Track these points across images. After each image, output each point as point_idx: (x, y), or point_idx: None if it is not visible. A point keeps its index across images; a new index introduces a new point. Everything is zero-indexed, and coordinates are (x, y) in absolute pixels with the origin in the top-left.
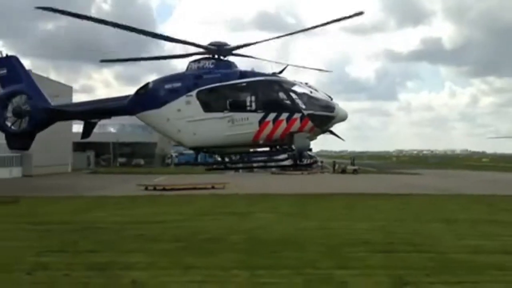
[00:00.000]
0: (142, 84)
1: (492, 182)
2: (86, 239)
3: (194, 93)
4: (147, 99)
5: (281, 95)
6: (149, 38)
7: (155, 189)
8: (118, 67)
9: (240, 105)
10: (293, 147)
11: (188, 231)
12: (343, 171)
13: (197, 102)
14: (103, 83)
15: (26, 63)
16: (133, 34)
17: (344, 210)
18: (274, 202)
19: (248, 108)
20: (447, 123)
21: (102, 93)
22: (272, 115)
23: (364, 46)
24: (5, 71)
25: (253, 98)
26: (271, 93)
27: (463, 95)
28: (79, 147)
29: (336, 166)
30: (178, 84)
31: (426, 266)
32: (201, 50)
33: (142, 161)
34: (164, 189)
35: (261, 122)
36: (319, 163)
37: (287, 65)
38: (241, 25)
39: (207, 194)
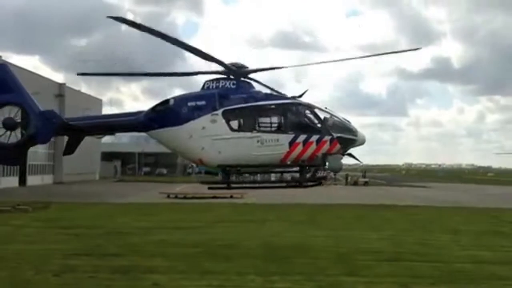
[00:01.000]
0: (162, 100)
1: (497, 195)
2: (111, 243)
3: (220, 112)
4: (168, 115)
5: (312, 118)
6: (175, 54)
7: (176, 197)
8: (145, 82)
9: (270, 126)
10: (326, 167)
11: (206, 237)
12: (355, 183)
13: (223, 121)
14: (131, 97)
15: (59, 76)
16: (160, 49)
17: (354, 220)
18: (289, 211)
19: (278, 129)
20: (455, 138)
21: (130, 106)
22: (302, 137)
23: (376, 64)
24: None
25: (283, 120)
26: (301, 116)
27: (470, 112)
28: (106, 156)
29: (349, 178)
30: (202, 102)
31: (431, 275)
32: (217, 69)
33: (165, 171)
34: (185, 197)
35: (292, 143)
36: (333, 175)
37: (306, 90)
38: (260, 43)
39: (226, 203)
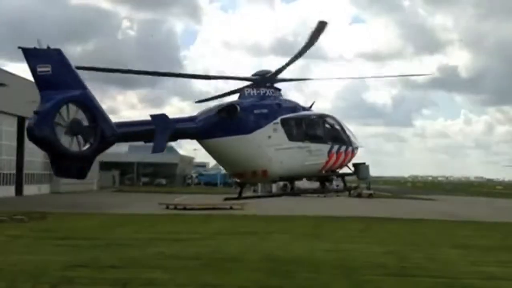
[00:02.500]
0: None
1: (505, 209)
2: (109, 255)
3: (279, 120)
4: (236, 123)
5: (340, 129)
6: (169, 64)
7: (175, 208)
8: (142, 90)
9: (315, 136)
10: (358, 177)
11: (206, 249)
12: (359, 195)
13: (282, 130)
14: (127, 105)
15: None
16: (157, 58)
17: (358, 233)
18: (291, 223)
19: (320, 139)
20: (462, 150)
21: (126, 114)
22: (335, 147)
23: (380, 73)
24: (48, 69)
25: (322, 130)
26: (334, 127)
27: (478, 123)
28: (105, 166)
29: (352, 190)
30: (265, 110)
31: None
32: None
33: (164, 181)
34: (184, 208)
35: (329, 153)
36: (335, 187)
37: (314, 102)
38: (260, 51)
39: (226, 214)
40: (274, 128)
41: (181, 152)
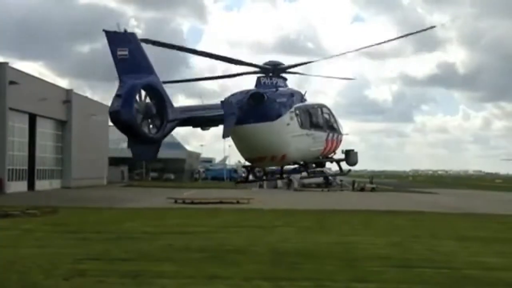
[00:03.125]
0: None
1: (505, 202)
2: (119, 248)
3: (293, 109)
4: (263, 110)
5: (333, 118)
6: (180, 61)
7: (184, 202)
8: None
9: (317, 125)
10: (348, 162)
11: (213, 242)
12: (362, 189)
13: (296, 118)
14: None
15: (64, 82)
16: (163, 56)
17: (362, 225)
18: (296, 217)
19: (321, 128)
20: (461, 145)
21: None
22: (330, 135)
23: (381, 70)
24: (126, 52)
25: (322, 119)
26: (329, 116)
27: (477, 118)
28: (114, 161)
29: (356, 184)
30: (284, 99)
31: (439, 281)
32: (256, 69)
33: (172, 176)
34: (192, 203)
35: (326, 140)
36: (339, 181)
37: (306, 91)
38: (264, 49)
39: (233, 208)
40: (291, 116)
41: (188, 148)
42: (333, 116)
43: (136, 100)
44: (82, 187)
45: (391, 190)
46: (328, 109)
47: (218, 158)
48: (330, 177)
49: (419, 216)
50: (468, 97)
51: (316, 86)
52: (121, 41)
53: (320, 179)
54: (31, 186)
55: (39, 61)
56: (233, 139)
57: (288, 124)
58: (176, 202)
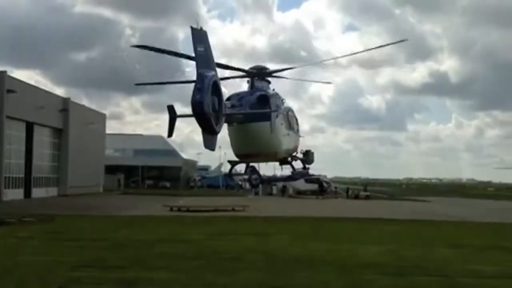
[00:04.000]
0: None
1: (497, 210)
2: (115, 255)
3: (285, 111)
4: (266, 111)
5: (297, 121)
6: (171, 71)
7: (179, 210)
8: (145, 96)
9: (292, 126)
10: (307, 161)
11: (209, 250)
12: (356, 197)
13: (284, 120)
14: (131, 110)
15: (60, 91)
16: (158, 64)
17: (356, 233)
18: (291, 224)
19: (294, 129)
20: (454, 153)
21: (131, 119)
22: (298, 136)
23: (375, 79)
24: (203, 48)
25: (294, 121)
26: (296, 119)
27: (469, 127)
28: (110, 169)
29: (350, 192)
30: (279, 102)
31: None
32: (243, 73)
33: (168, 184)
34: (187, 210)
35: (296, 140)
36: (333, 189)
37: (284, 99)
38: (258, 57)
39: (228, 216)
40: (283, 117)
41: (184, 156)
42: (296, 118)
43: (210, 92)
44: (79, 194)
45: (385, 198)
46: (293, 112)
47: (214, 166)
48: (325, 184)
49: (413, 224)
50: (460, 105)
51: (311, 94)
52: (200, 38)
53: (315, 186)
54: (27, 193)
55: (35, 70)
56: (232, 134)
57: (281, 124)
58: (171, 210)
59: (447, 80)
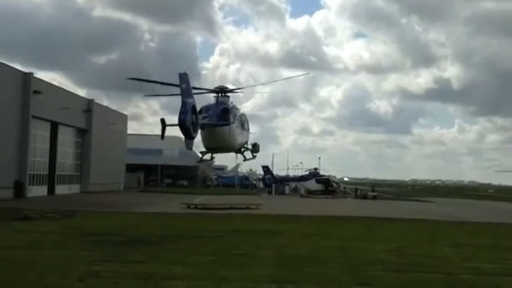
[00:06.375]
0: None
1: (497, 211)
2: (133, 250)
3: (240, 117)
4: (228, 117)
5: (248, 122)
6: (188, 74)
7: (196, 207)
8: (163, 98)
9: (244, 126)
10: (253, 150)
11: (223, 246)
12: (364, 197)
13: (239, 122)
14: (150, 112)
15: (82, 92)
16: (176, 68)
17: (363, 232)
18: (301, 222)
19: (246, 128)
20: (457, 156)
21: (149, 120)
22: (248, 133)
23: (381, 85)
24: (185, 85)
25: (246, 123)
26: (247, 121)
27: (471, 132)
28: (131, 168)
29: (358, 192)
30: (236, 110)
31: (435, 285)
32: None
33: (185, 182)
34: (204, 208)
35: (247, 136)
36: (342, 189)
37: (239, 109)
38: (270, 61)
39: (242, 214)
40: (238, 122)
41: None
42: (247, 120)
43: (190, 113)
44: (100, 192)
45: (391, 198)
46: (246, 116)
47: (230, 166)
48: (334, 185)
49: (417, 223)
50: (462, 111)
51: (320, 99)
52: (184, 79)
53: (324, 186)
54: (51, 190)
55: (57, 71)
56: (206, 137)
57: (236, 127)
58: (188, 207)
59: (450, 87)
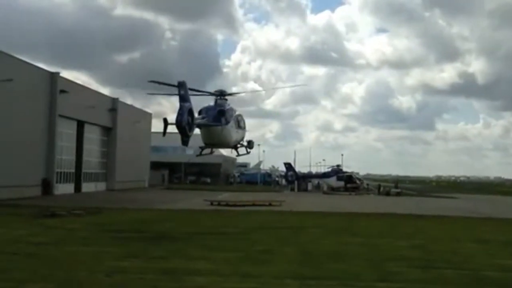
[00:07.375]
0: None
1: None
2: (158, 246)
3: (236, 117)
4: (225, 118)
5: (244, 121)
6: (210, 72)
7: (219, 204)
8: None
9: (240, 126)
10: (248, 146)
11: (246, 242)
12: (387, 194)
13: (235, 122)
14: (172, 110)
15: (105, 90)
16: (198, 66)
17: (387, 228)
18: (324, 219)
19: (241, 127)
20: (482, 152)
21: (172, 119)
22: (244, 131)
23: (404, 80)
24: (183, 92)
25: (242, 122)
26: (243, 120)
27: (496, 127)
28: (155, 166)
29: (381, 188)
30: (232, 112)
31: (460, 282)
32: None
33: (208, 180)
34: (227, 205)
35: (243, 133)
36: (365, 185)
37: (236, 110)
38: (290, 57)
39: (265, 210)
40: (234, 121)
41: (225, 153)
42: (244, 120)
43: (186, 115)
44: (126, 189)
45: (415, 195)
46: (242, 116)
47: (253, 163)
48: (357, 181)
49: (441, 220)
50: (487, 106)
51: (342, 95)
52: (182, 86)
53: (346, 183)
54: (77, 188)
55: (81, 70)
56: (206, 135)
57: (232, 126)
58: (212, 204)
59: (475, 81)
